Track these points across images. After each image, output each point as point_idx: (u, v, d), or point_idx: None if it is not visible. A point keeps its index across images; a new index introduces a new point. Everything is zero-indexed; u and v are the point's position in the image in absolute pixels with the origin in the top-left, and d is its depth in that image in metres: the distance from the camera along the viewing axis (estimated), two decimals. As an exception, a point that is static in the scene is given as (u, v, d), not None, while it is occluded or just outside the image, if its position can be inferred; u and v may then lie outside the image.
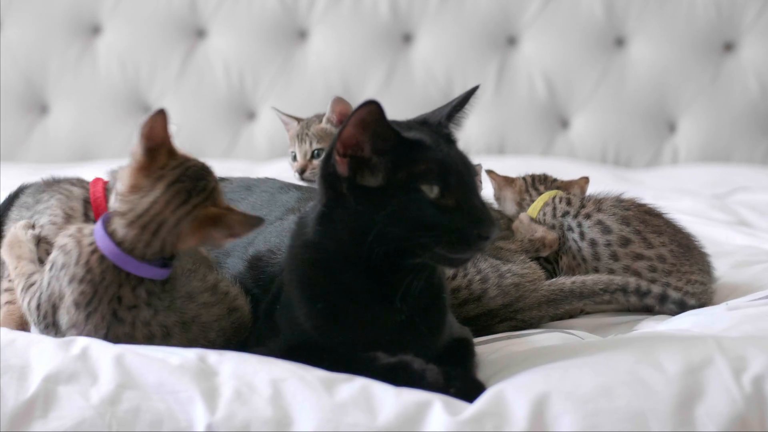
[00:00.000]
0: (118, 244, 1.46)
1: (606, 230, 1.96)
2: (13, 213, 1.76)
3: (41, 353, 1.41)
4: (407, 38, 3.77)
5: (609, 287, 1.85)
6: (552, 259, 2.00)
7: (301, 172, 2.11)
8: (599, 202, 2.01)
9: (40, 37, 3.71)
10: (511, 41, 3.76)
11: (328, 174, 1.43)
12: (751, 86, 3.72)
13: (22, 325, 1.61)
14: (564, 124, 3.78)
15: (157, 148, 1.46)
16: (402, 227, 1.39)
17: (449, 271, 1.75)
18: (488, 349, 1.63)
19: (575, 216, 2.00)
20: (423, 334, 1.48)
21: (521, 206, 2.13)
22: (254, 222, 1.47)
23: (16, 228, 1.64)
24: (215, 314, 1.53)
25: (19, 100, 3.73)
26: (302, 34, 3.76)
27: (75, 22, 3.72)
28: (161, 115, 1.46)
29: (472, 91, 1.53)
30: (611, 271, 1.92)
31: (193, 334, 1.51)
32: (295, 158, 2.14)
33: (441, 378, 1.40)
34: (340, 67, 3.73)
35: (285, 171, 2.26)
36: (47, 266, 1.50)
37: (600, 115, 3.74)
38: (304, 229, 1.48)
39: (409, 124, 1.48)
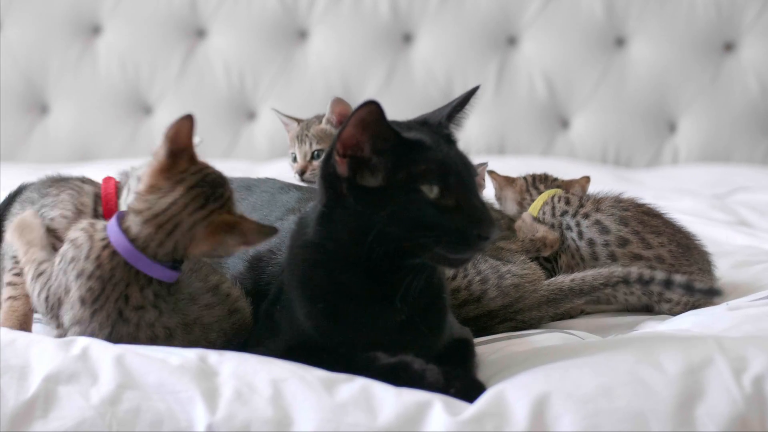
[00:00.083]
0: (132, 240, 1.46)
1: (604, 230, 1.96)
2: (15, 208, 1.76)
3: (41, 353, 1.41)
4: (407, 38, 3.77)
5: (610, 280, 1.80)
6: (551, 257, 2.01)
7: (302, 173, 2.11)
8: (598, 202, 2.01)
9: (40, 37, 3.72)
10: (512, 41, 3.76)
11: (328, 174, 1.43)
12: (751, 86, 3.72)
13: (25, 324, 1.61)
14: (564, 124, 3.78)
15: (180, 153, 1.47)
16: (402, 227, 1.39)
17: (449, 272, 1.75)
18: (488, 349, 1.63)
19: (574, 215, 2.00)
20: (423, 334, 1.48)
21: (522, 206, 2.13)
22: (268, 231, 1.47)
23: (25, 214, 1.64)
24: (216, 315, 1.54)
25: (19, 100, 3.73)
26: (302, 34, 3.76)
27: (75, 22, 3.72)
28: (188, 121, 1.47)
29: (472, 92, 1.53)
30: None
31: (194, 335, 1.51)
32: (295, 159, 2.14)
33: (441, 378, 1.40)
34: (340, 67, 3.73)
35: (285, 171, 2.26)
36: (57, 258, 1.50)
37: (600, 115, 3.74)
38: (305, 230, 1.48)
39: (410, 125, 1.48)
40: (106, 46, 3.74)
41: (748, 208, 2.91)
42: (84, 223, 1.52)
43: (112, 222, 1.48)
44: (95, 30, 3.75)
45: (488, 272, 1.81)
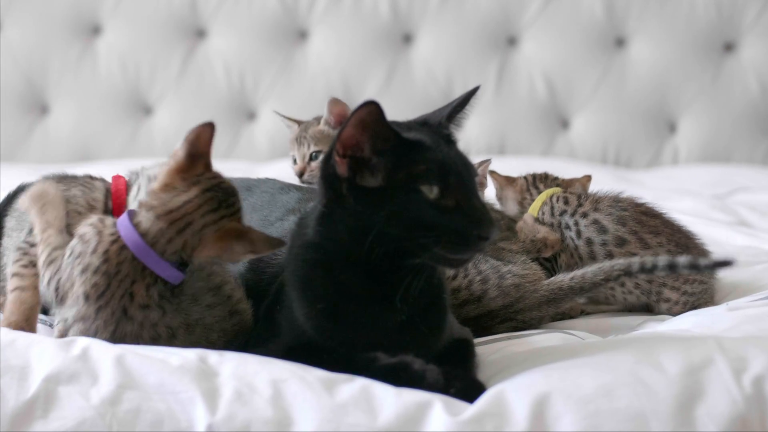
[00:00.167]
0: (142, 235, 1.47)
1: (602, 230, 1.96)
2: (17, 205, 1.75)
3: (42, 353, 1.41)
4: (407, 38, 3.77)
5: (611, 275, 1.76)
6: (551, 257, 2.01)
7: (300, 174, 2.11)
8: (596, 202, 2.01)
9: (41, 38, 3.72)
10: (512, 41, 3.76)
11: (328, 174, 1.43)
12: (751, 86, 3.72)
13: (31, 317, 1.60)
14: (564, 124, 3.78)
15: (198, 157, 1.50)
16: (402, 228, 1.39)
17: (450, 272, 1.75)
18: (488, 349, 1.63)
19: (572, 214, 2.01)
20: (423, 334, 1.48)
21: (523, 206, 2.13)
22: (275, 243, 1.49)
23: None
24: (217, 315, 1.54)
25: (20, 101, 3.73)
26: (302, 35, 3.76)
27: (75, 22, 3.72)
28: (209, 128, 1.49)
29: (472, 92, 1.54)
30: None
31: (196, 335, 1.51)
32: (295, 161, 2.14)
33: (441, 378, 1.40)
34: (340, 68, 3.74)
35: (285, 171, 2.26)
36: (66, 252, 1.51)
37: (600, 116, 3.75)
38: (305, 230, 1.48)
39: (409, 125, 1.48)
40: (106, 47, 3.74)
41: (749, 208, 2.91)
42: (93, 218, 1.52)
43: (123, 217, 1.49)
44: (95, 30, 3.75)
45: (489, 272, 1.82)
